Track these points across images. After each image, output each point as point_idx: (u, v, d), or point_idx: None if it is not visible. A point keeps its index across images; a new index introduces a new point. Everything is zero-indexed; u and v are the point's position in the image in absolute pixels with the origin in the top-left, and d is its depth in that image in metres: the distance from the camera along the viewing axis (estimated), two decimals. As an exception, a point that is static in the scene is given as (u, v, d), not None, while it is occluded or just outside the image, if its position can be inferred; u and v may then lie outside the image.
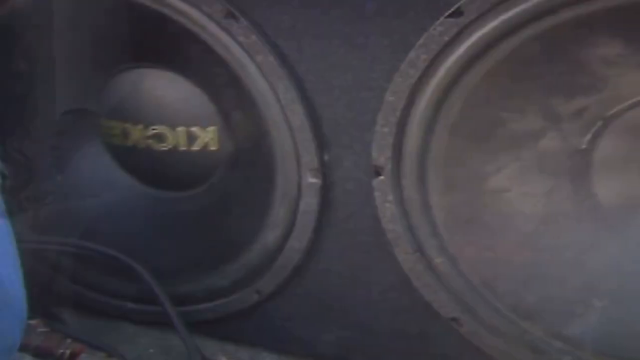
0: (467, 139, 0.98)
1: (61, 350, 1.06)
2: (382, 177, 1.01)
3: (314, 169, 1.05)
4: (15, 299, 0.85)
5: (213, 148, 1.15)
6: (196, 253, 1.21)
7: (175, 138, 1.15)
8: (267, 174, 1.08)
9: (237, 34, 1.01)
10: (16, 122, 1.21)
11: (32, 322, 1.07)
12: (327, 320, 1.14)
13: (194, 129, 1.15)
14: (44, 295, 1.10)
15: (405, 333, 1.10)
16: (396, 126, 0.98)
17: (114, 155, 1.24)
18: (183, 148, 1.16)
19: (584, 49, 0.91)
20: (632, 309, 1.00)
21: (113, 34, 1.12)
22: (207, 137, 1.14)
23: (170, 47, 1.10)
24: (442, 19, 0.91)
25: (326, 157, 1.05)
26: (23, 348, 1.03)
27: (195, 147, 1.15)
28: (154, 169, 1.21)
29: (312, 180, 1.05)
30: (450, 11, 0.90)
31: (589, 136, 0.98)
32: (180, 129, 1.15)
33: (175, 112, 1.15)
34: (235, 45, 1.02)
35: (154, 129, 1.16)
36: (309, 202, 1.07)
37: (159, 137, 1.16)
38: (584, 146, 0.99)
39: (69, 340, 1.08)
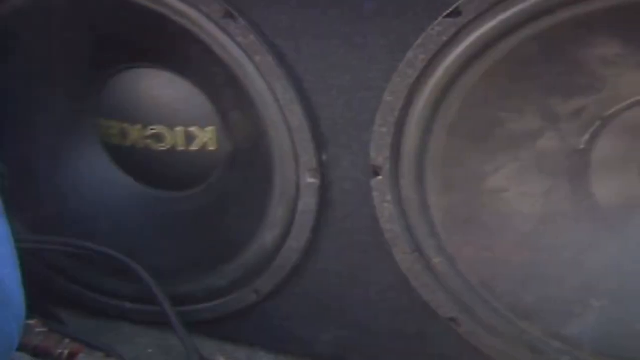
0: (466, 139, 0.98)
1: (60, 350, 1.06)
2: (380, 177, 1.01)
3: (313, 169, 1.05)
4: (14, 299, 0.85)
5: (211, 148, 1.15)
6: (194, 253, 1.21)
7: (173, 138, 1.16)
8: (265, 174, 1.08)
9: (236, 34, 1.01)
10: (15, 121, 1.21)
11: (31, 322, 1.07)
12: (325, 320, 1.15)
13: (192, 129, 1.15)
14: (42, 295, 1.10)
15: (403, 333, 1.11)
16: (394, 126, 0.98)
17: (113, 155, 1.24)
18: (181, 148, 1.16)
19: (582, 49, 0.91)
20: (630, 309, 1.00)
21: (111, 34, 1.12)
22: (206, 137, 1.14)
23: (169, 47, 1.10)
24: (440, 19, 0.91)
25: (324, 157, 1.05)
26: (22, 348, 1.03)
27: (194, 147, 1.15)
28: (152, 168, 1.21)
29: (310, 180, 1.05)
30: (448, 11, 0.90)
31: (587, 136, 0.98)
32: (179, 129, 1.15)
33: (174, 112, 1.15)
34: (233, 45, 1.02)
35: (152, 129, 1.16)
36: (308, 202, 1.07)
37: (158, 137, 1.16)
38: (582, 146, 0.99)
39: (67, 340, 1.08)
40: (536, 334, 1.03)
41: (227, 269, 1.17)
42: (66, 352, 1.06)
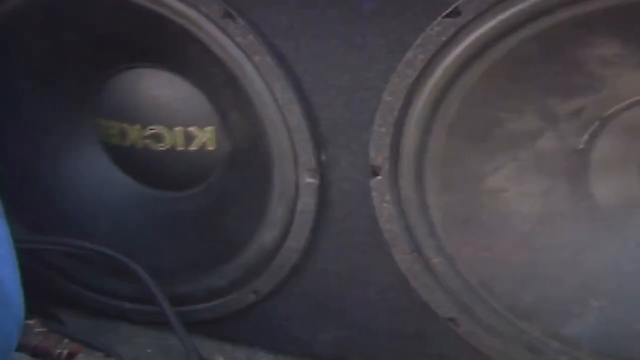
0: (465, 139, 0.98)
1: (59, 350, 1.06)
2: (379, 177, 1.01)
3: (312, 169, 1.05)
4: (13, 299, 0.85)
5: (210, 148, 1.15)
6: (193, 253, 1.21)
7: (172, 138, 1.16)
8: (264, 174, 1.08)
9: (235, 34, 1.01)
10: (14, 121, 1.21)
11: (30, 322, 1.07)
12: (325, 320, 1.15)
13: (191, 128, 1.15)
14: (41, 295, 1.10)
15: (402, 333, 1.11)
16: (394, 126, 0.98)
17: (112, 155, 1.24)
18: (181, 148, 1.16)
19: (581, 49, 0.91)
20: (629, 309, 1.00)
21: (111, 34, 1.12)
22: (205, 137, 1.14)
23: (168, 47, 1.10)
24: (439, 19, 0.91)
25: (323, 157, 1.05)
26: (21, 348, 1.03)
27: (193, 147, 1.15)
28: (151, 168, 1.21)
29: (309, 180, 1.05)
30: (447, 11, 0.90)
31: (586, 136, 0.98)
32: (178, 128, 1.15)
33: (173, 112, 1.15)
34: (232, 45, 1.02)
35: (151, 129, 1.16)
36: (307, 202, 1.07)
37: (157, 137, 1.16)
38: (581, 146, 0.99)
39: (66, 340, 1.08)
40: (535, 334, 1.03)
41: (226, 269, 1.17)
42: (65, 352, 1.06)
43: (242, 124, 1.11)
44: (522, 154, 0.99)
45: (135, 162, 1.22)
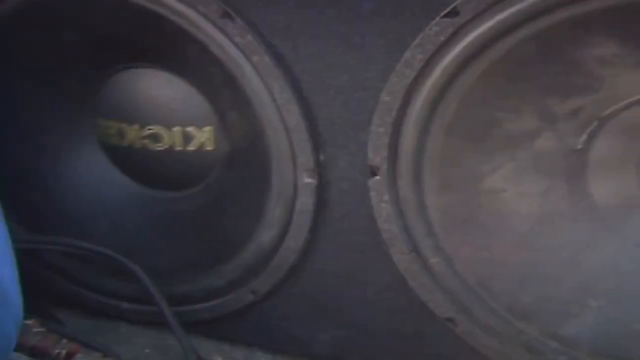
0: (463, 139, 0.98)
1: (57, 351, 1.06)
2: (377, 177, 1.01)
3: (310, 169, 1.05)
4: (11, 299, 0.85)
5: (209, 148, 1.15)
6: (192, 253, 1.21)
7: (171, 138, 1.16)
8: (263, 174, 1.08)
9: (233, 34, 1.01)
10: (13, 121, 1.21)
11: (28, 322, 1.06)
12: (323, 320, 1.15)
13: (190, 128, 1.15)
14: (40, 295, 1.10)
15: (400, 333, 1.11)
16: (392, 126, 0.98)
17: (110, 155, 1.24)
18: (179, 148, 1.16)
19: (579, 49, 0.91)
20: (628, 309, 1.00)
21: (109, 34, 1.12)
22: (203, 137, 1.14)
23: (167, 47, 1.10)
24: (438, 19, 0.91)
25: (322, 157, 1.05)
26: (19, 348, 1.02)
27: (191, 147, 1.15)
28: (150, 168, 1.21)
29: (307, 180, 1.05)
30: (446, 11, 0.90)
31: (584, 136, 0.98)
32: (176, 128, 1.15)
33: (171, 112, 1.15)
34: (231, 45, 1.02)
35: (150, 129, 1.16)
36: (305, 202, 1.07)
37: (155, 137, 1.16)
38: (579, 146, 0.99)
39: (64, 340, 1.08)
40: (533, 334, 1.03)
41: (225, 269, 1.17)
42: (64, 352, 1.06)
43: (240, 124, 1.11)
44: (521, 154, 0.99)
45: (133, 162, 1.22)
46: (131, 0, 1.04)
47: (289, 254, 1.11)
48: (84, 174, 1.25)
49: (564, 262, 1.01)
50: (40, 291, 1.17)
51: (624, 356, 1.00)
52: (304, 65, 1.01)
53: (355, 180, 1.04)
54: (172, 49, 1.09)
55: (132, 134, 1.18)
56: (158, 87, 1.16)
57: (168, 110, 1.16)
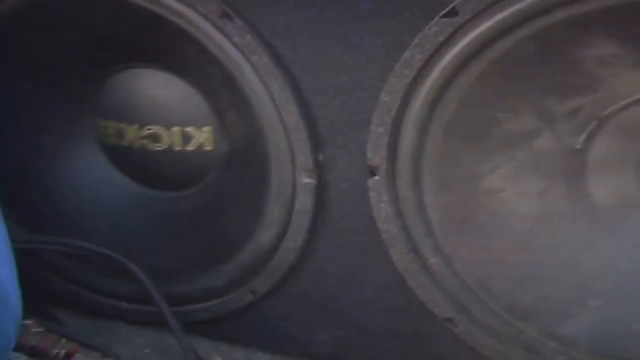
0: (462, 139, 0.98)
1: (56, 350, 1.06)
2: (377, 177, 1.01)
3: (309, 169, 1.05)
4: (10, 299, 0.85)
5: (208, 148, 1.15)
6: (191, 253, 1.21)
7: (170, 138, 1.16)
8: (261, 174, 1.08)
9: (232, 34, 1.01)
10: (12, 121, 1.21)
11: (27, 322, 1.06)
12: (322, 320, 1.15)
13: (189, 129, 1.15)
14: (39, 295, 1.10)
15: (399, 333, 1.11)
16: (391, 126, 0.98)
17: (109, 155, 1.24)
18: (178, 148, 1.16)
19: (578, 49, 0.91)
20: (626, 309, 1.00)
21: (109, 34, 1.12)
22: (202, 137, 1.14)
23: (166, 47, 1.10)
24: (437, 19, 0.91)
25: (321, 157, 1.05)
26: (18, 348, 1.02)
27: (190, 147, 1.15)
28: (149, 168, 1.21)
29: (306, 180, 1.05)
30: (445, 11, 0.90)
31: (583, 136, 0.98)
32: (175, 129, 1.15)
33: (170, 112, 1.15)
34: (230, 45, 1.02)
35: (149, 129, 1.16)
36: (304, 202, 1.07)
37: (154, 137, 1.16)
38: (578, 146, 0.99)
39: (64, 340, 1.08)
40: (532, 334, 1.03)
41: (224, 268, 1.17)
42: (63, 352, 1.06)
43: (239, 124, 1.11)
44: (520, 154, 0.99)
45: (132, 162, 1.22)
46: (130, 1, 1.04)
47: (288, 254, 1.11)
48: (83, 174, 1.25)
49: (563, 262, 1.01)
50: (40, 291, 1.17)
51: (623, 356, 1.00)
52: (303, 65, 1.01)
53: (354, 180, 1.04)
54: (171, 49, 1.09)
55: (132, 134, 1.18)
56: (157, 87, 1.16)
57: (167, 110, 1.16)
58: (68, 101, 1.21)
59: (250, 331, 1.20)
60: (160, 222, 1.23)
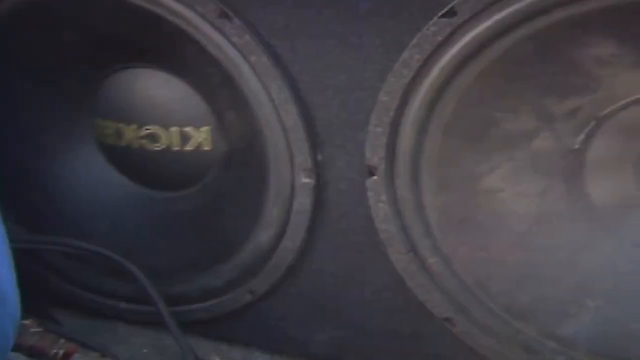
0: (461, 139, 0.98)
1: (54, 350, 1.06)
2: (375, 177, 1.01)
3: (308, 169, 1.05)
4: (9, 299, 0.85)
5: (206, 148, 1.15)
6: (189, 253, 1.21)
7: (168, 138, 1.16)
8: (260, 174, 1.08)
9: (231, 34, 1.01)
10: (11, 121, 1.21)
11: (26, 322, 1.06)
12: (321, 320, 1.15)
13: (187, 129, 1.15)
14: (38, 295, 1.10)
15: (398, 333, 1.11)
16: (390, 126, 0.98)
17: (108, 155, 1.24)
18: (176, 148, 1.16)
19: (577, 49, 0.91)
20: (625, 309, 1.00)
21: (107, 34, 1.12)
22: (201, 137, 1.14)
23: (164, 47, 1.10)
24: (435, 19, 0.91)
25: (319, 157, 1.05)
26: (16, 348, 1.02)
27: (189, 147, 1.15)
28: (147, 168, 1.21)
29: (305, 180, 1.05)
30: (443, 11, 0.90)
31: (582, 136, 0.98)
32: (174, 129, 1.15)
33: (169, 112, 1.15)
34: (228, 45, 1.02)
35: (147, 129, 1.16)
36: (303, 202, 1.07)
37: (153, 137, 1.16)
38: (577, 146, 0.99)
39: (62, 340, 1.08)
40: (531, 334, 1.03)
41: (223, 268, 1.17)
42: (61, 352, 1.06)
43: (238, 124, 1.11)
44: (518, 154, 0.99)
45: (131, 162, 1.22)
46: (129, 1, 1.04)
47: (286, 254, 1.11)
48: (82, 174, 1.25)
49: (562, 262, 1.01)
50: (38, 291, 1.17)
51: (622, 356, 1.00)
52: (302, 65, 1.01)
53: (353, 180, 1.04)
54: (170, 49, 1.09)
55: (130, 134, 1.18)
56: (156, 87, 1.16)
57: (166, 110, 1.16)
58: (67, 101, 1.21)
59: (249, 331, 1.20)
60: (158, 222, 1.23)
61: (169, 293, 1.17)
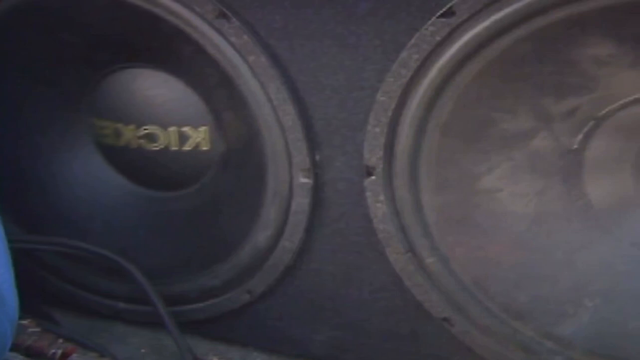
0: (459, 139, 0.98)
1: (53, 350, 1.06)
2: (373, 177, 1.01)
3: (306, 169, 1.05)
4: (7, 299, 0.85)
5: (204, 148, 1.15)
6: (188, 253, 1.21)
7: (166, 138, 1.16)
8: (258, 174, 1.08)
9: (229, 34, 1.01)
10: (9, 121, 1.21)
11: (24, 322, 1.07)
12: (319, 320, 1.15)
13: (185, 129, 1.15)
14: (35, 295, 1.10)
15: (396, 333, 1.11)
16: (388, 126, 0.98)
17: (106, 155, 1.24)
18: (174, 148, 1.16)
19: (575, 49, 0.91)
20: (622, 309, 1.00)
21: (106, 34, 1.12)
22: (199, 137, 1.14)
23: (162, 47, 1.10)
24: (433, 19, 0.91)
25: (318, 157, 1.05)
26: (14, 348, 1.03)
27: (187, 147, 1.15)
28: (145, 168, 1.21)
29: (303, 180, 1.05)
30: (442, 11, 0.90)
31: (580, 136, 0.98)
32: (172, 129, 1.15)
33: (167, 112, 1.15)
34: (227, 46, 1.02)
35: (145, 129, 1.16)
36: (301, 202, 1.07)
37: (151, 137, 1.16)
38: (575, 146, 0.99)
39: (60, 340, 1.08)
40: (529, 333, 1.03)
41: (220, 269, 1.17)
42: (59, 352, 1.06)
43: (236, 124, 1.11)
44: (516, 154, 0.99)
45: (129, 162, 1.22)
46: (127, 1, 1.04)
47: (284, 254, 1.11)
48: (80, 173, 1.25)
49: (560, 262, 1.01)
50: (36, 291, 1.17)
51: (619, 356, 1.00)
52: (300, 65, 1.01)
53: (351, 180, 1.04)
54: (168, 49, 1.09)
55: (128, 134, 1.18)
56: (154, 87, 1.16)
57: (164, 110, 1.16)
58: (65, 101, 1.21)
59: (247, 331, 1.20)
60: (157, 222, 1.23)
61: (167, 293, 1.17)
